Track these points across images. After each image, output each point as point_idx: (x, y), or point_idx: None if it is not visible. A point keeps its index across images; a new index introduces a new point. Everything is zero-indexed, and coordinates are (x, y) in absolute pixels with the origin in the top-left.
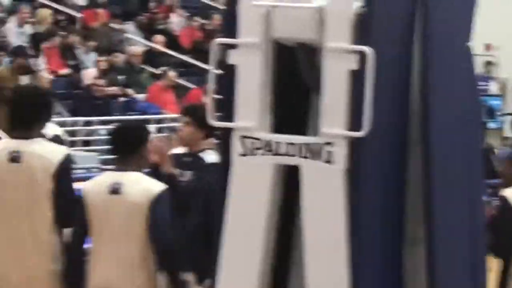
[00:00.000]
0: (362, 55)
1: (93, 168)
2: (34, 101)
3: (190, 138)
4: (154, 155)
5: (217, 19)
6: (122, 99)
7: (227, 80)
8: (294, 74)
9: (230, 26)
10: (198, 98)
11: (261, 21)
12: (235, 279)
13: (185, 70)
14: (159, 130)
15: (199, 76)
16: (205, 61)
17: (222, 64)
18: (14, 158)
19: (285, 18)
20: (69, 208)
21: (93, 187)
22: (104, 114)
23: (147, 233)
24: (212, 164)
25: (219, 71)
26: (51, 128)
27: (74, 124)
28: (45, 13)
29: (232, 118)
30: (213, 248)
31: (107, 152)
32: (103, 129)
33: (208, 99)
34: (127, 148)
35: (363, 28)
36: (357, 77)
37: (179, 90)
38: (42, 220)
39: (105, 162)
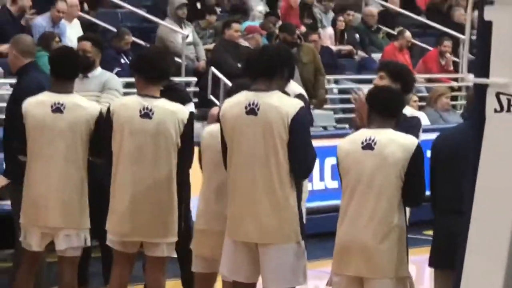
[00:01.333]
0: None
1: (329, 126)
2: (275, 56)
3: None
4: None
5: None
6: (357, 57)
7: (482, 36)
8: None
9: None
10: (434, 59)
11: None
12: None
13: (421, 30)
14: None
15: (434, 37)
16: (441, 22)
17: (479, 19)
18: (252, 110)
19: None
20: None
21: (347, 143)
22: (339, 73)
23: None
24: (413, 117)
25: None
26: (294, 86)
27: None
28: None
29: (487, 74)
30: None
31: (342, 111)
32: (337, 88)
33: (463, 54)
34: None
35: None
36: None
37: (415, 51)
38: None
39: (340, 120)
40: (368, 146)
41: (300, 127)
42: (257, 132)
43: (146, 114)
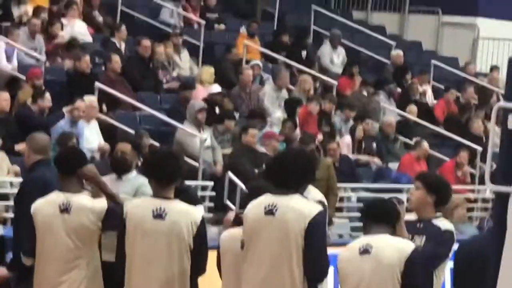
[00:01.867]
0: None
1: (345, 234)
2: (294, 163)
3: (420, 203)
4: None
5: (470, 91)
6: (374, 166)
7: (506, 144)
8: None
9: (511, 91)
10: (451, 170)
11: None
12: None
13: (439, 141)
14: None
15: (452, 148)
16: (459, 133)
17: (503, 128)
18: (270, 211)
19: None
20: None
21: (345, 250)
22: (356, 181)
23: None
24: (447, 231)
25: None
26: (315, 192)
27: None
28: (305, 79)
29: (509, 183)
30: None
31: (358, 219)
32: (353, 196)
33: (486, 163)
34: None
35: None
36: None
37: (432, 161)
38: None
39: (356, 229)
40: (365, 251)
41: (316, 231)
42: (273, 233)
43: (159, 215)
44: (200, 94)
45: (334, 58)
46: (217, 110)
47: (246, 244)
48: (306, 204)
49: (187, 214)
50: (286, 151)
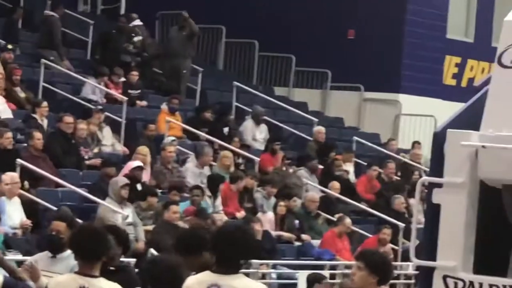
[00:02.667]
0: None
1: None
2: (233, 242)
3: (363, 283)
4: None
5: (392, 168)
6: (297, 243)
7: (430, 219)
8: (498, 216)
9: (436, 165)
10: (373, 246)
11: (468, 161)
12: None
13: (361, 218)
14: (333, 277)
15: (374, 224)
16: (381, 209)
17: (427, 202)
18: None
19: (492, 159)
20: None
21: None
22: (279, 258)
23: None
24: None
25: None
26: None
27: (247, 268)
28: (226, 155)
29: (434, 258)
30: None
31: None
32: (275, 272)
33: (411, 238)
34: None
35: None
36: None
37: (354, 238)
38: None
39: None
40: None
41: None
42: None
43: None
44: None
45: (256, 134)
46: (139, 186)
47: None
48: (249, 283)
49: None
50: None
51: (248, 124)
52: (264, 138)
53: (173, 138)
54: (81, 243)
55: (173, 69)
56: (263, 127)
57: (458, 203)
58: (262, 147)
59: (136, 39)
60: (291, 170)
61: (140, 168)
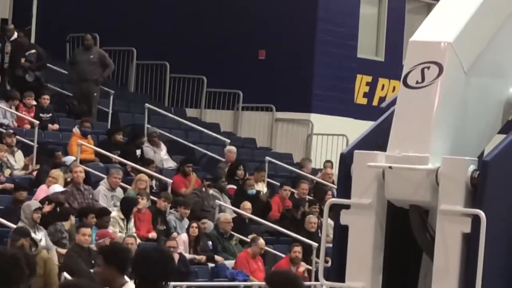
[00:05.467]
0: (476, 218)
1: None
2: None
3: None
4: None
5: (305, 188)
6: (210, 265)
7: (338, 241)
8: (406, 236)
9: (343, 187)
10: (286, 266)
11: (375, 182)
12: None
13: (274, 238)
14: None
15: (287, 244)
16: (294, 229)
17: (335, 224)
18: None
19: (399, 180)
20: None
21: None
22: (192, 280)
23: None
24: None
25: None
26: None
27: None
28: (141, 178)
29: (343, 278)
30: None
31: None
32: None
33: (320, 259)
34: None
35: (478, 192)
36: (470, 240)
37: (268, 258)
38: None
39: None
40: None
41: None
42: None
43: None
44: (42, 194)
45: (161, 154)
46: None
47: None
48: None
49: None
50: (142, 249)
51: (147, 148)
52: (165, 155)
53: (74, 158)
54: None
55: (82, 92)
56: (162, 146)
57: (366, 224)
58: (174, 168)
59: (28, 52)
60: (211, 192)
61: (62, 193)
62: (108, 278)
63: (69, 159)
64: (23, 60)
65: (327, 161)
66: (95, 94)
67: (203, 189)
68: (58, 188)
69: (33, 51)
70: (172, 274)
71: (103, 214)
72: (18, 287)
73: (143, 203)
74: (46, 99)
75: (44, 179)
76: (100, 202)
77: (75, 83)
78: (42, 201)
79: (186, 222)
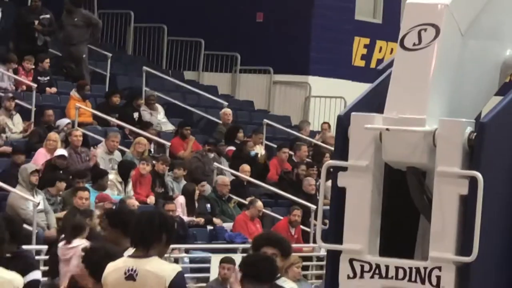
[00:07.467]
0: (473, 180)
1: None
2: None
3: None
4: None
5: (304, 150)
6: (209, 227)
7: (336, 203)
8: (403, 197)
9: (340, 149)
10: (285, 228)
11: (372, 144)
12: None
13: (273, 200)
14: None
15: (286, 206)
16: (292, 192)
17: (333, 186)
18: (131, 276)
19: (396, 142)
20: None
21: None
22: (191, 242)
23: None
24: None
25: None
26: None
27: None
28: (140, 141)
29: (341, 240)
30: None
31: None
32: (187, 257)
33: (317, 221)
34: None
35: (474, 153)
36: (467, 202)
37: (266, 220)
38: None
39: None
40: None
41: None
42: None
43: None
44: (41, 157)
45: (158, 117)
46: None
47: None
48: (164, 266)
49: (10, 282)
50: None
51: (144, 112)
52: (163, 118)
53: (69, 121)
54: None
55: (71, 54)
56: (160, 109)
57: (363, 186)
58: (172, 131)
59: (42, 16)
60: (211, 155)
61: (63, 157)
62: (113, 241)
63: (62, 122)
64: (36, 22)
65: (324, 123)
66: (83, 56)
67: (204, 153)
68: (62, 152)
69: (48, 16)
70: (171, 234)
71: (100, 176)
72: None
73: (147, 168)
74: (47, 63)
75: (37, 141)
76: (97, 165)
77: (64, 47)
78: (46, 165)
79: (182, 183)
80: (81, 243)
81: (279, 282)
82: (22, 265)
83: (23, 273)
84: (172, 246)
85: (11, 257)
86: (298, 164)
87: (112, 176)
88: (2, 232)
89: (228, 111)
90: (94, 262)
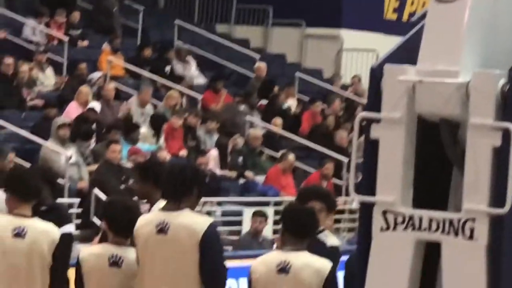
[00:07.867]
0: (506, 132)
1: None
2: (181, 178)
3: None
4: None
5: (337, 104)
6: (241, 180)
7: (369, 155)
8: (437, 149)
9: (373, 101)
10: (317, 181)
11: (405, 96)
12: None
13: (305, 154)
14: (278, 213)
15: (318, 159)
16: (324, 145)
17: (365, 138)
18: (162, 229)
19: (429, 94)
20: (218, 277)
21: (261, 264)
22: (223, 195)
23: None
24: (332, 247)
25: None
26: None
27: None
28: (172, 95)
29: (374, 193)
30: None
31: (226, 233)
32: (219, 210)
33: (350, 174)
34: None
35: (508, 105)
36: (500, 154)
37: (298, 174)
38: None
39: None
40: (282, 270)
41: (210, 244)
42: (168, 252)
43: (19, 234)
44: (73, 111)
45: (191, 71)
46: (94, 127)
47: (141, 262)
48: (196, 218)
49: (46, 232)
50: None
51: (177, 65)
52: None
53: (100, 74)
54: (15, 183)
55: (102, 8)
56: (192, 62)
57: (396, 138)
58: (205, 84)
59: None
60: (241, 108)
61: (94, 111)
62: (144, 194)
63: (94, 75)
64: None
65: (354, 76)
66: (114, 9)
67: (234, 105)
68: (94, 105)
69: None
70: (202, 186)
71: (132, 130)
72: (33, 202)
73: (179, 122)
74: (76, 16)
75: (70, 94)
76: (130, 118)
77: (95, 0)
78: (78, 119)
79: (215, 137)
80: None
81: (321, 236)
82: (56, 218)
83: (57, 226)
84: (204, 199)
85: (45, 210)
86: (330, 118)
87: (144, 129)
88: (39, 184)
89: (263, 65)
90: (112, 215)
